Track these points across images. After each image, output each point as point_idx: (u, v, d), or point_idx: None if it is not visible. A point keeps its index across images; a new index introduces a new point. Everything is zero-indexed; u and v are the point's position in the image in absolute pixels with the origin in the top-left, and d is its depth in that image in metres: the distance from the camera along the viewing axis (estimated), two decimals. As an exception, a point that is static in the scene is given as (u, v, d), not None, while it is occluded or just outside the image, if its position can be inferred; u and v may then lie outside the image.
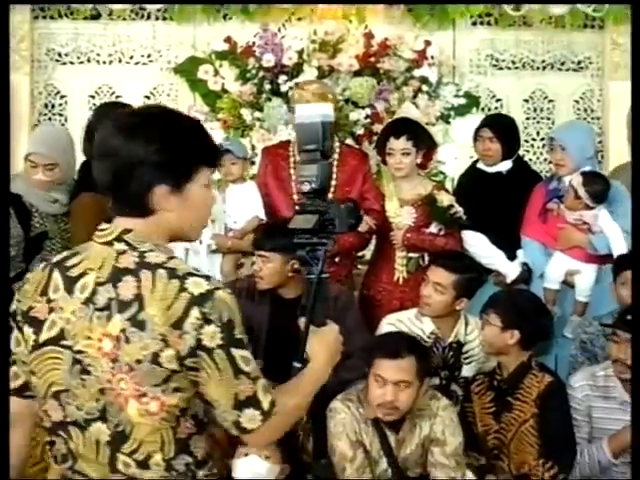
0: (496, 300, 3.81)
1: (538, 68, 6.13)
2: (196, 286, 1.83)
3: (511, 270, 4.53)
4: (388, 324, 4.05)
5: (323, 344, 2.14)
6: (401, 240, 4.42)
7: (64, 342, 1.86)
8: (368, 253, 4.81)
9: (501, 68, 6.12)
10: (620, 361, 3.59)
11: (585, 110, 6.15)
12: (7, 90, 2.69)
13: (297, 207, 2.22)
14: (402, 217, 4.45)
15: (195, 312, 1.80)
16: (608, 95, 6.04)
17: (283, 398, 1.94)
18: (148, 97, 5.92)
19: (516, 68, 6.12)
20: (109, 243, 1.90)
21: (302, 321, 2.19)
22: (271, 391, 1.91)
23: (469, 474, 3.58)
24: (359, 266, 4.83)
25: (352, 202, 2.28)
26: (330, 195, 4.27)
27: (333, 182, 4.38)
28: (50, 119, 5.91)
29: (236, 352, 1.84)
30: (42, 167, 4.10)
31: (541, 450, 3.59)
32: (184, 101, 5.84)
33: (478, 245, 4.56)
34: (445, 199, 4.44)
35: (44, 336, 1.89)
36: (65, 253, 1.98)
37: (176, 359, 1.80)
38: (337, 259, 4.40)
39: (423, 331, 3.97)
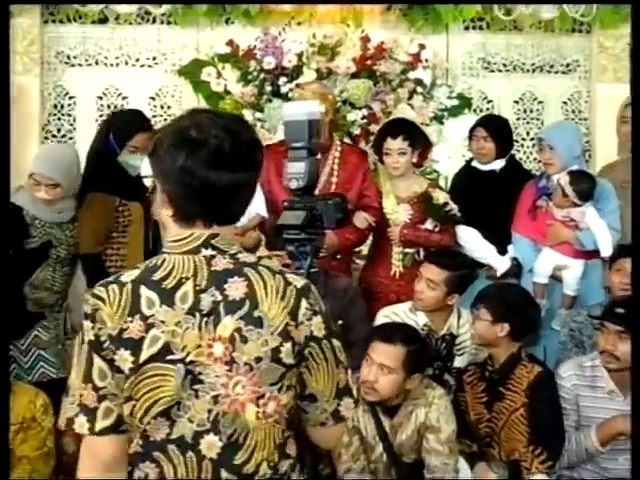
0: (485, 295, 3.83)
1: (528, 71, 6.12)
2: (296, 280, 1.84)
3: (501, 264, 4.55)
4: (384, 316, 4.08)
5: None
6: (398, 236, 4.44)
7: (171, 357, 1.77)
8: (365, 248, 4.82)
9: (492, 71, 6.11)
10: (607, 352, 3.62)
11: (573, 111, 6.15)
12: (7, 91, 2.63)
13: (285, 204, 2.19)
14: (399, 214, 4.47)
15: (304, 303, 1.81)
16: (595, 97, 6.04)
17: None
18: (153, 98, 5.92)
19: (507, 71, 6.12)
20: (193, 251, 1.83)
21: None
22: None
23: (461, 460, 3.60)
24: (357, 261, 4.82)
25: (339, 197, 2.27)
26: (332, 189, 4.33)
27: (334, 179, 4.44)
28: (59, 119, 5.89)
29: (335, 342, 1.86)
30: (44, 186, 4.12)
31: (530, 438, 3.61)
32: (188, 102, 5.82)
33: (471, 240, 4.57)
34: (441, 197, 4.46)
35: (145, 355, 1.78)
36: (138, 271, 1.86)
37: (293, 352, 1.79)
38: (338, 256, 4.42)
39: (417, 323, 3.99)
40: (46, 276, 4.19)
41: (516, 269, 4.58)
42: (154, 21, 5.89)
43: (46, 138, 5.83)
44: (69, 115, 5.92)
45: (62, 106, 5.95)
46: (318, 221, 2.15)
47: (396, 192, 4.50)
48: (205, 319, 1.77)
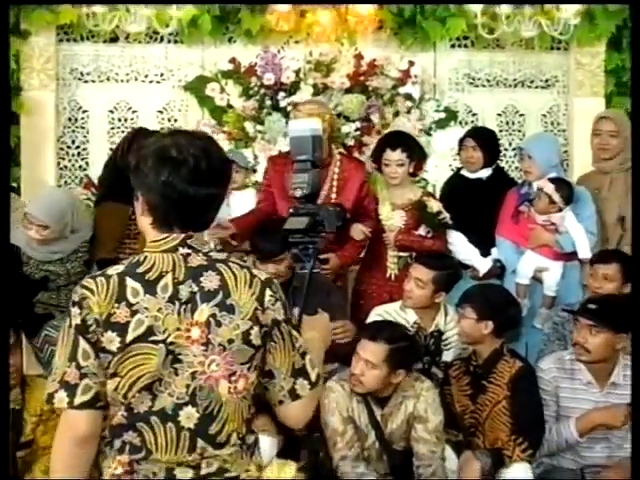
0: (470, 295, 3.84)
1: (510, 85, 6.15)
2: (260, 274, 1.99)
3: (483, 265, 4.58)
4: (376, 314, 4.11)
5: (316, 330, 2.21)
6: (393, 241, 4.45)
7: (153, 338, 1.89)
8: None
9: (477, 85, 6.13)
10: (579, 344, 3.62)
11: (552, 123, 6.17)
12: (8, 92, 2.59)
13: (291, 210, 2.25)
14: (394, 220, 4.47)
15: (268, 292, 1.95)
16: (573, 110, 6.06)
17: None
18: (161, 112, 5.93)
19: (490, 85, 6.14)
20: (171, 249, 1.95)
21: (296, 311, 2.25)
22: (317, 366, 2.02)
23: (448, 449, 3.60)
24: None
25: (339, 206, 2.33)
26: (332, 200, 4.33)
27: (334, 190, 4.42)
28: (73, 132, 5.90)
29: (291, 327, 2.00)
30: (36, 226, 4.15)
31: (512, 428, 3.62)
32: (194, 116, 5.85)
33: (457, 243, 4.58)
34: (435, 205, 4.48)
35: (131, 336, 1.89)
36: (122, 266, 1.98)
37: (260, 335, 1.92)
38: (342, 272, 4.48)
39: (407, 321, 4.01)
40: (50, 295, 4.23)
41: (498, 270, 4.58)
42: (162, 40, 5.88)
43: (61, 149, 5.84)
44: (82, 128, 5.93)
45: (76, 119, 5.95)
46: (320, 226, 2.22)
47: (391, 199, 4.51)
48: (184, 306, 1.90)
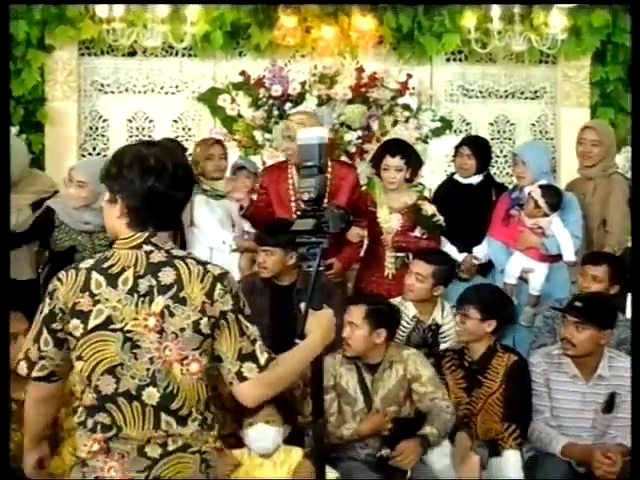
0: (471, 296, 3.80)
1: (501, 96, 6.14)
2: (214, 269, 2.05)
3: (459, 258, 4.55)
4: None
5: (320, 324, 2.25)
6: (391, 242, 4.42)
7: (112, 326, 1.98)
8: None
9: (470, 97, 6.13)
10: (566, 339, 3.61)
11: (541, 132, 6.17)
12: (7, 92, 2.55)
13: (298, 212, 2.30)
14: (391, 223, 4.44)
15: (219, 286, 2.01)
16: (560, 119, 6.06)
17: (279, 363, 2.08)
18: (176, 121, 5.94)
19: (483, 97, 6.13)
20: (136, 247, 2.03)
21: (302, 305, 2.29)
22: (268, 352, 2.06)
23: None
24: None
25: (343, 209, 2.36)
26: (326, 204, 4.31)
27: (327, 194, 4.38)
28: (94, 139, 5.91)
29: (241, 317, 2.04)
30: (75, 183, 4.12)
31: (506, 417, 3.60)
32: (206, 125, 5.86)
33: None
34: (429, 209, 4.46)
35: (92, 324, 1.99)
36: (92, 260, 2.08)
37: (209, 324, 1.99)
38: (344, 272, 4.46)
39: (407, 315, 3.99)
40: None
41: (475, 266, 4.57)
42: (176, 54, 5.89)
43: (82, 156, 5.84)
44: (103, 136, 5.94)
45: (97, 128, 5.96)
46: (326, 227, 2.22)
47: (389, 203, 4.48)
48: (142, 298, 1.99)
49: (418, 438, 3.42)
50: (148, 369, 1.98)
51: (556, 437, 3.54)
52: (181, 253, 2.08)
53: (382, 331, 3.55)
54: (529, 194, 4.40)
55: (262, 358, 2.03)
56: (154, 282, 1.99)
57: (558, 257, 4.38)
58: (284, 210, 4.38)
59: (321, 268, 2.25)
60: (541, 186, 4.39)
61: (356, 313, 3.55)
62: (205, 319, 1.99)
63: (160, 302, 1.98)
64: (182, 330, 1.98)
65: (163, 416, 1.99)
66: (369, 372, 3.59)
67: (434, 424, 3.46)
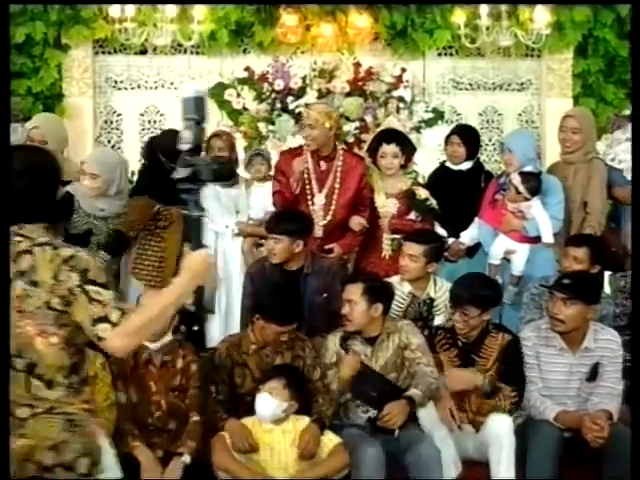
0: (466, 295, 3.67)
1: (490, 88, 6.10)
2: (64, 251, 2.11)
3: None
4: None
5: (190, 264, 2.21)
6: (387, 225, 4.41)
7: None
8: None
9: (461, 89, 6.09)
10: (554, 316, 3.59)
11: (527, 121, 6.14)
12: (7, 92, 2.48)
13: (178, 161, 2.25)
14: (388, 207, 4.43)
15: (64, 267, 2.08)
16: (545, 109, 6.03)
17: (140, 311, 2.20)
18: (186, 115, 5.88)
19: (472, 89, 6.10)
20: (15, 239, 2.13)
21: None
22: (122, 308, 2.10)
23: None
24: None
25: (221, 163, 2.51)
26: (336, 192, 4.38)
27: (338, 181, 4.40)
28: (109, 132, 5.89)
29: (90, 287, 2.08)
30: (88, 175, 4.10)
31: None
32: (213, 118, 5.75)
33: None
34: (423, 193, 4.45)
35: None
36: None
37: (62, 302, 2.07)
38: (345, 258, 4.46)
39: (403, 292, 3.99)
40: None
41: (463, 250, 4.54)
42: (185, 52, 5.85)
43: (99, 148, 5.80)
44: (117, 129, 5.92)
45: (111, 122, 5.94)
46: (200, 174, 2.23)
47: (385, 189, 4.46)
48: (12, 283, 2.08)
49: (404, 399, 3.44)
50: (17, 343, 2.08)
51: (550, 406, 3.54)
52: (43, 240, 2.13)
53: (379, 305, 3.59)
54: (510, 180, 4.38)
55: (114, 316, 2.07)
56: (16, 269, 2.09)
57: (538, 239, 4.36)
58: (300, 197, 4.40)
59: (200, 214, 2.25)
60: (521, 173, 4.36)
61: (354, 291, 3.58)
62: (56, 298, 2.08)
63: (18, 286, 2.08)
64: (38, 308, 2.08)
65: (32, 380, 2.09)
66: (367, 344, 3.61)
67: (419, 387, 3.49)
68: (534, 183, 4.32)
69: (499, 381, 3.58)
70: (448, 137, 4.81)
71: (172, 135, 4.41)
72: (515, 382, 3.60)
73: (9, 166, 2.12)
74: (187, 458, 3.34)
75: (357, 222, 4.33)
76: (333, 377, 3.57)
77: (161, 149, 4.28)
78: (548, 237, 4.31)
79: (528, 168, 4.42)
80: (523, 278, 4.31)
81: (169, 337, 3.51)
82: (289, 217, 4.06)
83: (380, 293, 3.64)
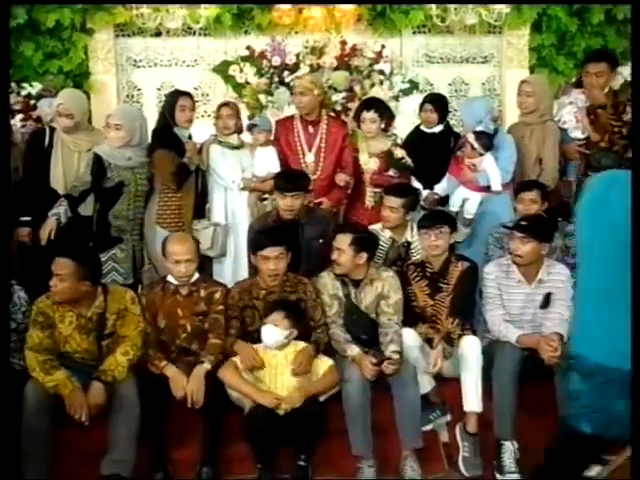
0: (442, 217, 3.76)
1: (458, 62, 6.00)
2: None
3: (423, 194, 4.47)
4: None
5: None
6: (370, 180, 4.38)
7: None
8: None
9: (433, 62, 5.99)
10: (514, 252, 3.58)
11: (489, 90, 6.05)
12: (7, 91, 2.36)
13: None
14: (370, 165, 4.39)
15: None
16: (505, 79, 5.92)
17: None
18: (196, 89, 5.80)
19: (443, 62, 6.00)
20: None
21: None
22: None
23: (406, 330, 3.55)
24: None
25: None
26: (323, 151, 4.42)
27: (324, 142, 4.43)
28: (130, 105, 5.77)
29: None
30: (113, 126, 4.04)
31: (454, 312, 3.60)
32: (220, 91, 5.74)
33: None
34: (399, 153, 4.41)
35: None
36: None
37: None
38: (335, 209, 4.43)
39: (384, 237, 3.96)
40: (122, 207, 4.07)
41: (437, 200, 4.47)
42: (194, 33, 5.74)
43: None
44: (138, 102, 5.81)
45: (132, 96, 5.85)
46: None
47: (368, 149, 4.41)
48: None
49: (389, 358, 3.37)
50: None
51: (512, 330, 3.53)
52: None
53: (364, 254, 3.54)
54: (466, 139, 4.33)
55: None
56: None
57: (489, 188, 4.31)
58: (294, 157, 4.37)
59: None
60: (475, 132, 4.31)
61: (343, 240, 3.53)
62: None
63: None
64: None
65: None
66: (353, 286, 3.59)
67: (397, 344, 3.42)
68: (486, 141, 4.28)
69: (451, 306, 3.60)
70: (422, 105, 4.74)
71: (171, 95, 4.43)
72: (463, 302, 3.61)
73: (9, 165, 1.97)
74: (208, 365, 3.37)
75: (341, 178, 4.34)
76: (330, 308, 3.55)
77: (165, 108, 4.28)
78: (496, 186, 4.26)
79: (480, 128, 4.35)
80: (474, 220, 4.27)
81: (196, 276, 3.55)
82: (301, 175, 4.04)
83: (365, 243, 3.59)
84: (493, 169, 4.27)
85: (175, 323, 3.49)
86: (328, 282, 3.59)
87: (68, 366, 3.25)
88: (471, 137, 4.29)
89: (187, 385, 3.29)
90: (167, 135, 4.18)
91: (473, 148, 4.28)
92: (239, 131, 4.47)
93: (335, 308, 3.54)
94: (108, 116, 4.19)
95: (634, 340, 2.46)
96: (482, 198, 4.31)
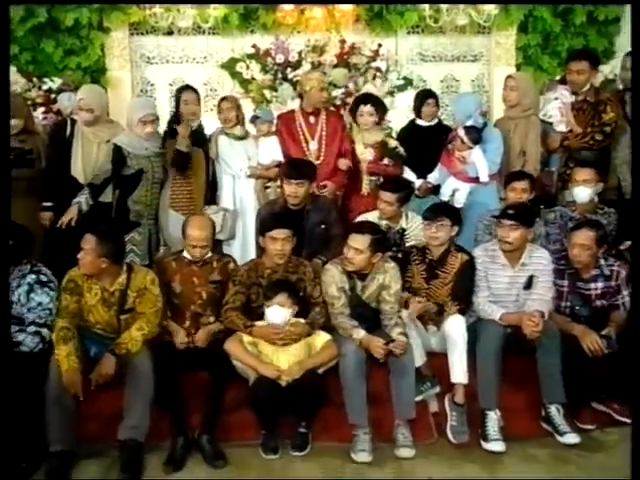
0: (444, 210, 3.70)
1: (449, 60, 5.99)
2: None
3: (417, 183, 4.44)
4: (360, 219, 4.03)
5: None
6: (366, 169, 4.38)
7: None
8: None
9: (426, 60, 5.98)
10: (503, 239, 3.57)
11: (478, 86, 6.04)
12: (7, 89, 2.31)
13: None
14: (366, 155, 4.39)
15: None
16: (493, 77, 5.91)
17: None
18: (205, 84, 5.81)
19: (435, 60, 5.98)
20: None
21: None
22: None
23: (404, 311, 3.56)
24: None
25: None
26: (324, 139, 4.41)
27: (324, 132, 4.43)
28: (144, 99, 5.80)
29: None
30: (149, 123, 4.03)
31: (454, 296, 3.58)
32: (227, 86, 5.73)
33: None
34: (392, 143, 4.42)
35: None
36: None
37: None
38: (338, 192, 4.40)
39: (381, 224, 3.92)
40: (141, 194, 4.09)
41: (430, 188, 4.46)
42: (203, 32, 5.73)
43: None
44: (151, 96, 5.79)
45: (146, 91, 5.85)
46: None
47: (364, 140, 4.41)
48: None
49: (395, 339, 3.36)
50: None
51: (496, 309, 3.53)
52: None
53: (379, 254, 3.49)
54: (456, 133, 4.32)
55: None
56: None
57: (476, 179, 4.31)
58: (297, 149, 4.38)
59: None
60: (464, 127, 4.30)
61: (361, 241, 3.42)
62: None
63: None
64: None
65: None
66: (359, 279, 3.53)
67: (401, 327, 3.42)
68: (475, 135, 4.27)
69: (452, 293, 3.59)
70: (424, 99, 4.69)
71: (177, 91, 4.43)
72: (465, 291, 3.59)
73: (9, 165, 1.93)
74: (213, 327, 3.47)
75: (343, 162, 4.35)
76: (334, 298, 3.47)
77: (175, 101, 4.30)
78: (484, 177, 4.27)
79: (469, 123, 4.34)
80: (463, 209, 4.23)
81: (210, 254, 3.60)
82: (302, 164, 4.01)
83: (382, 244, 3.51)
84: (481, 161, 4.26)
85: (191, 290, 3.54)
86: (336, 275, 3.50)
87: (89, 337, 3.29)
88: (461, 131, 4.28)
89: (194, 335, 3.45)
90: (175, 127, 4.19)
91: (463, 142, 4.28)
92: (241, 122, 4.47)
93: (342, 300, 3.48)
94: (143, 116, 4.05)
95: (634, 338, 2.40)
96: (470, 188, 4.32)
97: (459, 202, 4.29)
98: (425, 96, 4.74)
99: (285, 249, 3.50)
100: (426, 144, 4.57)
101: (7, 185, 2.88)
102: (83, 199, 3.95)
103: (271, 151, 4.41)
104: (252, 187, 4.41)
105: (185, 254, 3.57)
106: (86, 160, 4.09)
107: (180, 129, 4.10)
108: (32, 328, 3.24)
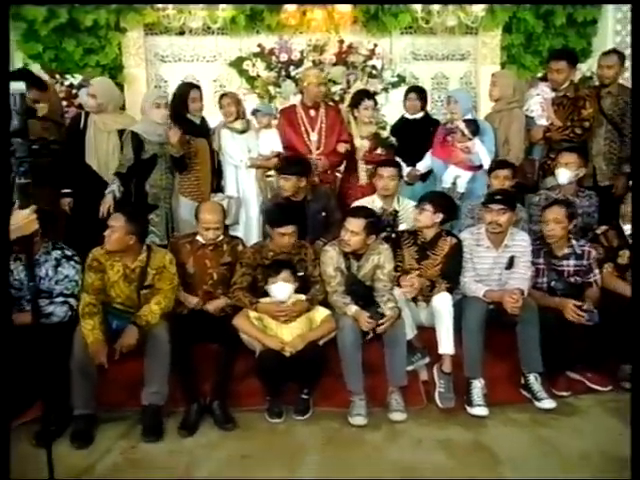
0: (427, 197, 3.67)
1: (439, 59, 5.99)
2: None
3: (405, 170, 4.44)
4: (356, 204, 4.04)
5: None
6: (363, 158, 4.38)
7: None
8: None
9: (418, 59, 5.97)
10: (493, 222, 3.56)
11: (466, 83, 6.03)
12: (7, 89, 2.30)
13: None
14: (362, 146, 4.40)
15: None
16: (480, 74, 5.90)
17: None
18: (215, 81, 5.81)
19: (427, 59, 5.98)
20: None
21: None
22: None
23: (397, 289, 3.57)
24: (337, 175, 4.75)
25: None
26: (324, 130, 4.41)
27: (324, 124, 4.42)
28: (159, 95, 5.79)
29: None
30: (163, 105, 4.05)
31: (443, 276, 3.59)
32: (235, 83, 5.71)
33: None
34: (385, 134, 4.44)
35: None
36: None
37: None
38: (329, 171, 4.39)
39: (376, 206, 3.94)
40: (157, 177, 4.10)
41: (418, 176, 4.47)
42: (213, 33, 5.71)
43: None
44: (165, 92, 5.74)
45: (160, 87, 5.82)
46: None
47: (360, 133, 4.43)
48: None
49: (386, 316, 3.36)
50: None
51: (480, 287, 3.54)
52: None
53: (373, 236, 3.50)
54: (457, 126, 4.32)
55: None
56: None
57: (477, 167, 4.32)
58: (299, 140, 4.37)
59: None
60: (464, 120, 4.30)
61: (357, 224, 3.41)
62: None
63: None
64: None
65: None
66: (355, 259, 3.54)
67: (393, 301, 3.41)
68: (474, 127, 4.27)
69: (442, 273, 3.59)
70: (406, 94, 4.74)
71: (179, 87, 4.41)
72: (453, 272, 3.60)
73: (9, 163, 1.90)
74: (222, 301, 3.51)
75: (342, 145, 4.37)
76: (332, 277, 3.48)
77: (177, 99, 4.24)
78: (487, 164, 4.26)
79: (468, 116, 4.35)
80: (465, 194, 4.28)
81: (221, 237, 3.62)
82: (295, 162, 4.01)
83: (375, 227, 3.52)
84: (483, 150, 4.28)
85: (203, 272, 3.57)
86: (334, 256, 3.50)
87: (110, 312, 3.32)
88: (462, 125, 4.27)
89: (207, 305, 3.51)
90: (182, 120, 4.16)
91: (463, 134, 4.27)
92: (242, 117, 4.46)
93: (338, 279, 3.49)
94: (156, 99, 4.10)
95: (634, 337, 2.40)
96: (471, 175, 4.32)
97: (462, 188, 4.30)
98: (408, 91, 4.79)
99: (291, 241, 3.53)
100: (413, 135, 4.60)
101: (7, 185, 2.86)
102: (115, 187, 3.95)
103: (271, 142, 4.41)
104: (253, 176, 4.41)
105: (199, 237, 3.59)
106: (98, 147, 4.09)
107: (170, 135, 4.01)
108: (60, 299, 3.27)
